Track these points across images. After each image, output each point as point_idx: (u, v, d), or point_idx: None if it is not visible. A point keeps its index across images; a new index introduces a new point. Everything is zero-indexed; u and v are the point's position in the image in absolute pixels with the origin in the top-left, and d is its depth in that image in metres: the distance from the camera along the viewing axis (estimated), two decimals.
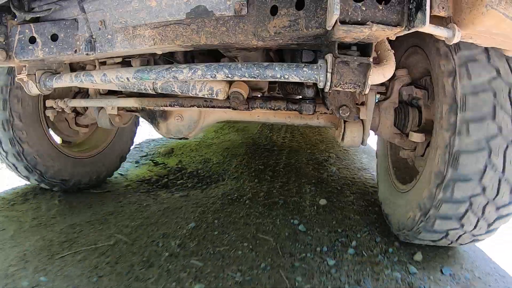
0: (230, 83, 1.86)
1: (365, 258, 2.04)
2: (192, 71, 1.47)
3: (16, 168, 2.67)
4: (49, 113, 2.66)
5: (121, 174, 3.63)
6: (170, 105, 2.14)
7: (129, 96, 2.39)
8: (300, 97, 2.06)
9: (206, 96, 1.81)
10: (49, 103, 2.63)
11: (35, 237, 2.19)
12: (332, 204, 2.83)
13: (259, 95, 2.32)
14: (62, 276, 1.79)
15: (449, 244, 2.06)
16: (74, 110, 2.83)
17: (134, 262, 1.92)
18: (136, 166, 3.98)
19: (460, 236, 1.93)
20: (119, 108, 2.42)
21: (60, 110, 2.66)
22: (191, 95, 1.81)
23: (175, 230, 2.31)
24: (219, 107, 2.08)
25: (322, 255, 2.05)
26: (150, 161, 4.15)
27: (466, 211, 1.75)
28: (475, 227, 1.84)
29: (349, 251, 2.10)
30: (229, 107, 2.05)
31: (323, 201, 2.85)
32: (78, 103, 2.53)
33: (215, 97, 1.80)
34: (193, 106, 2.11)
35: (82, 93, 2.91)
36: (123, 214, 2.58)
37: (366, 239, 2.26)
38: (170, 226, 2.37)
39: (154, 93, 1.88)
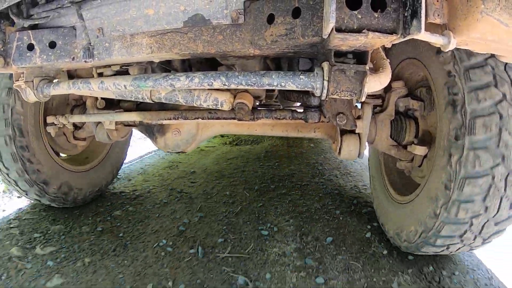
0: (235, 94, 1.86)
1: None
2: (189, 79, 1.47)
3: (17, 183, 2.59)
4: (50, 129, 2.61)
5: (208, 141, 6.69)
6: (174, 118, 2.13)
7: (127, 110, 2.37)
8: (299, 105, 2.06)
9: (211, 107, 1.80)
10: (50, 119, 2.58)
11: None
12: (317, 146, 6.09)
13: (258, 103, 2.32)
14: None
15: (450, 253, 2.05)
16: (72, 124, 2.79)
17: (255, 157, 5.19)
18: (213, 138, 7.11)
19: (459, 248, 1.93)
20: (116, 123, 2.41)
21: (61, 126, 2.63)
22: (195, 105, 1.81)
23: (259, 152, 5.60)
24: (224, 118, 2.06)
25: (313, 154, 5.44)
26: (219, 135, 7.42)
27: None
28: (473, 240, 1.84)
29: (323, 156, 5.28)
30: (234, 118, 2.04)
31: (312, 145, 6.17)
32: (80, 118, 2.51)
33: (220, 108, 1.79)
34: (197, 118, 2.10)
35: (80, 106, 2.89)
36: (234, 152, 5.72)
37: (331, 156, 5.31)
38: (256, 151, 5.65)
39: (156, 102, 1.88)
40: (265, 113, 2.01)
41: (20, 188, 2.64)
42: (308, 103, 1.94)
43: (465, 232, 1.76)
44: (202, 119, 2.09)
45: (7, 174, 2.55)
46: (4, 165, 2.50)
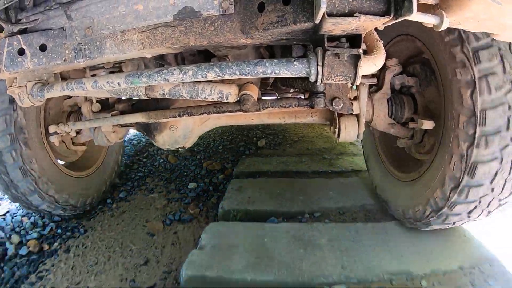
0: (240, 86, 1.84)
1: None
2: (183, 72, 1.46)
3: (27, 198, 2.51)
4: (54, 139, 2.54)
5: None
6: (179, 115, 2.09)
7: (123, 111, 2.34)
8: (293, 91, 2.03)
9: (216, 100, 1.78)
10: (52, 128, 2.51)
11: None
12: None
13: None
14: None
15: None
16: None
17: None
18: None
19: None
20: (114, 125, 2.38)
21: (64, 134, 2.57)
22: (200, 99, 1.78)
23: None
24: (229, 111, 2.03)
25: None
26: None
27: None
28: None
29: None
30: (240, 110, 2.02)
31: None
32: (83, 125, 2.45)
33: (225, 101, 1.77)
34: (203, 113, 2.07)
35: (75, 112, 2.84)
36: None
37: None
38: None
39: (152, 99, 1.84)
40: (270, 103, 1.98)
41: (31, 203, 2.57)
42: (314, 89, 1.91)
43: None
44: (208, 113, 2.05)
45: (15, 189, 2.46)
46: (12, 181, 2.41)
